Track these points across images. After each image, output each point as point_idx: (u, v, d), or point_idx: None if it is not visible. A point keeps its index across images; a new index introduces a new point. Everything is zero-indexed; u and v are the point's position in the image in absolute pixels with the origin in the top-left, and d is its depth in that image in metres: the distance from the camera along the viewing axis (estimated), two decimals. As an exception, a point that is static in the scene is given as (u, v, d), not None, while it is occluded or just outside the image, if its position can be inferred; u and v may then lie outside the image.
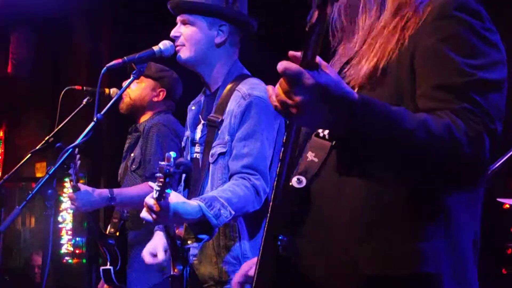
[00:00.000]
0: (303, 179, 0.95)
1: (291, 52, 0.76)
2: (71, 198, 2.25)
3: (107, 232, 2.72)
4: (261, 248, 0.92)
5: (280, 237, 0.96)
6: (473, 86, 0.88)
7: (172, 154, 1.52)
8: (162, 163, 1.47)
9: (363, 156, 0.88)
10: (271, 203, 0.89)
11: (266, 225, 0.94)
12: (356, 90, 0.86)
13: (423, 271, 0.87)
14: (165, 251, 1.94)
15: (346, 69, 1.00)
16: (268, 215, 0.89)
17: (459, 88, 0.88)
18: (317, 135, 0.98)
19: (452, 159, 0.86)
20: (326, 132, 0.95)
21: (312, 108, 0.77)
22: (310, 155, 0.98)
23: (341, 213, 0.91)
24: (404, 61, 0.91)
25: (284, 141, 0.85)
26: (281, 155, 0.85)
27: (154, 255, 1.98)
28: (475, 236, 0.95)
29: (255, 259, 1.19)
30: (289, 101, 0.74)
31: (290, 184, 0.95)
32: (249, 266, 1.29)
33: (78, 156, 2.10)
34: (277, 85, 0.78)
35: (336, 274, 0.92)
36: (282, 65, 0.73)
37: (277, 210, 0.89)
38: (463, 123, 0.83)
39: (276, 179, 0.88)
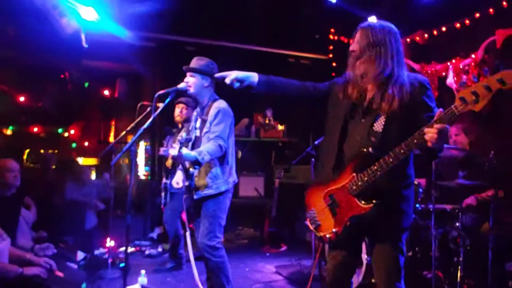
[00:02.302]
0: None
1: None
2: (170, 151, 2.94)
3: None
4: None
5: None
6: None
7: (183, 134, 3.34)
8: (179, 137, 3.17)
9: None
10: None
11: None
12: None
13: (413, 180, 2.16)
14: (182, 181, 3.31)
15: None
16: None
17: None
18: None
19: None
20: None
21: (441, 140, 1.81)
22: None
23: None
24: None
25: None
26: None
27: (177, 183, 3.42)
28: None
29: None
30: (437, 138, 1.77)
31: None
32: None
33: (174, 131, 3.58)
34: (432, 133, 1.79)
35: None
36: (439, 126, 1.78)
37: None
38: None
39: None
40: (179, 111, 4.91)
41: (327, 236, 2.15)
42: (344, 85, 2.25)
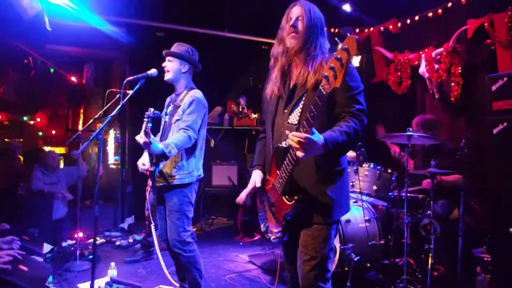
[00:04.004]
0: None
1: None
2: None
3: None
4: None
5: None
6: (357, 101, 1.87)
7: (152, 109, 2.79)
8: (148, 112, 2.73)
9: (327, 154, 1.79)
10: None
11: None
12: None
13: (343, 167, 2.05)
14: (149, 163, 3.12)
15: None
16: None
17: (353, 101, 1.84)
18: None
19: (357, 139, 1.86)
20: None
21: (309, 151, 1.70)
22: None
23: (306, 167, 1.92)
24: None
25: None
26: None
27: (144, 164, 3.20)
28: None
29: (259, 173, 2.25)
30: (300, 149, 1.68)
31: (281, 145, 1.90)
32: (256, 178, 2.24)
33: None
34: (296, 139, 1.66)
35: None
36: (298, 137, 1.66)
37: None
38: (357, 120, 1.87)
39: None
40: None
41: (272, 238, 2.12)
42: (269, 82, 2.20)
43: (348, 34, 1.50)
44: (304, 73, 2.00)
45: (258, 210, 2.28)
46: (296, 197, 1.95)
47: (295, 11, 2.06)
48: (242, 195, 2.29)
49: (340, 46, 1.56)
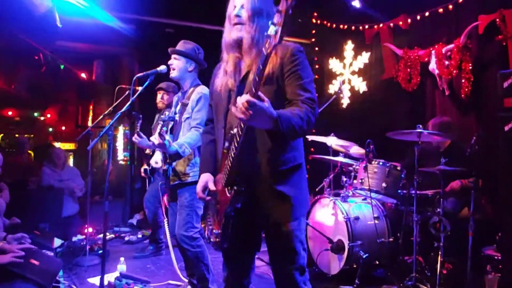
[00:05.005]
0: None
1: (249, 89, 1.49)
2: (135, 138, 3.13)
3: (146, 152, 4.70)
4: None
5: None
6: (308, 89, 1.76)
7: (167, 112, 3.15)
8: (163, 116, 3.09)
9: (276, 135, 1.63)
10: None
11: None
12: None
13: (299, 162, 1.88)
14: (162, 161, 3.28)
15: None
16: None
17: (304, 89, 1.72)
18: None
19: (310, 126, 1.72)
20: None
21: (257, 118, 1.50)
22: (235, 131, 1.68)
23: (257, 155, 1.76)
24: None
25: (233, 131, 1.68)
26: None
27: (156, 163, 3.58)
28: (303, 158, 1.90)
29: (207, 175, 1.99)
30: (246, 113, 1.48)
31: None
32: (206, 179, 1.99)
33: (141, 116, 3.29)
34: (241, 104, 1.47)
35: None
36: (245, 98, 1.46)
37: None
38: (309, 107, 1.74)
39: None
40: (160, 98, 4.85)
41: (212, 240, 1.94)
42: (218, 75, 2.04)
43: None
44: (256, 60, 1.80)
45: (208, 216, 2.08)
46: (235, 188, 1.79)
47: None
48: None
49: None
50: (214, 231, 1.94)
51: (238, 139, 1.71)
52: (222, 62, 2.01)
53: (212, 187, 1.95)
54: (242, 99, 1.51)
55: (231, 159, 1.79)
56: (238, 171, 1.82)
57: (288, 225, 1.86)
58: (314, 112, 1.78)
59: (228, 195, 1.84)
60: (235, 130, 1.72)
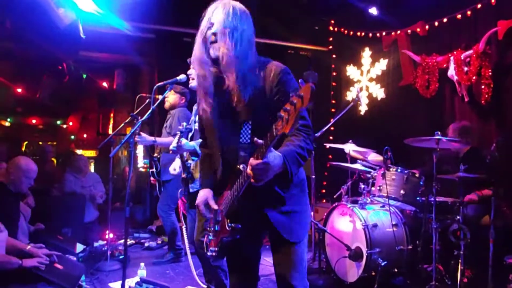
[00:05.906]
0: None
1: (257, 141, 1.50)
2: (136, 138, 3.31)
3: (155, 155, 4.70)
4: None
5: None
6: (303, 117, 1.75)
7: (184, 124, 3.21)
8: (180, 127, 3.02)
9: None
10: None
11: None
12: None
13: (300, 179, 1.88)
14: (180, 169, 3.44)
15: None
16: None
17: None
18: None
19: (309, 154, 1.74)
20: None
21: (268, 175, 1.57)
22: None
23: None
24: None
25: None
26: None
27: (174, 169, 3.62)
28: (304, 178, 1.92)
29: (207, 191, 1.96)
30: (257, 178, 1.56)
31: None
32: (206, 196, 1.95)
33: (139, 118, 3.05)
34: (250, 171, 1.54)
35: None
36: (254, 163, 1.52)
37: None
38: (306, 134, 1.73)
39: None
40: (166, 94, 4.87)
41: (209, 254, 1.96)
42: (202, 95, 1.96)
43: (310, 81, 1.41)
44: (243, 88, 1.79)
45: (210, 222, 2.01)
46: (233, 225, 1.80)
47: (216, 15, 1.82)
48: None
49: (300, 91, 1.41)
50: (210, 248, 1.94)
51: (242, 182, 1.72)
52: (202, 79, 1.91)
53: (213, 205, 1.91)
54: (251, 165, 1.55)
55: (235, 194, 1.78)
56: (241, 206, 1.82)
57: (293, 246, 1.93)
58: (311, 138, 1.78)
59: (227, 228, 1.82)
60: (241, 167, 1.72)
